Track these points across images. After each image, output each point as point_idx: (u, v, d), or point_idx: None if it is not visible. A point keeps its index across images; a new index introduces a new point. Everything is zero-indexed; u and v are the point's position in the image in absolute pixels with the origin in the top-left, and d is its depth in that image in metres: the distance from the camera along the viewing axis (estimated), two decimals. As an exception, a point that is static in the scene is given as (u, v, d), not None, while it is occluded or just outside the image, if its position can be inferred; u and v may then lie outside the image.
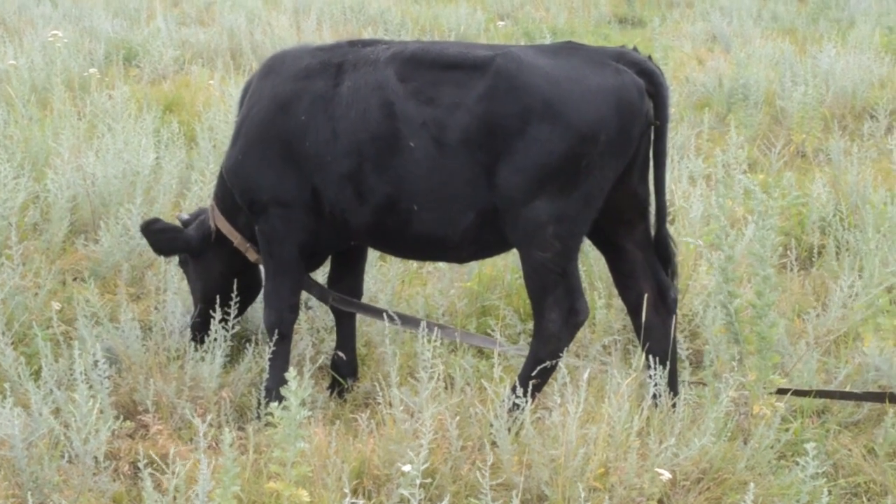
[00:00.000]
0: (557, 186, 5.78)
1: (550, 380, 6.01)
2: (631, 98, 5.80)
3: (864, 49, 14.36)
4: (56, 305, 7.14)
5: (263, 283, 6.62)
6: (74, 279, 8.10)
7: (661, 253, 6.18)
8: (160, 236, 6.82)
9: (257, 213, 6.41)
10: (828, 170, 10.41)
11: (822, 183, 9.23)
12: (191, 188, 8.92)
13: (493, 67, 5.86)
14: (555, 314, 5.94)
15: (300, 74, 6.29)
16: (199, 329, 6.89)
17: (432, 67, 6.03)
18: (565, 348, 5.99)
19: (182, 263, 7.10)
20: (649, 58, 6.01)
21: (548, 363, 5.93)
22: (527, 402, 5.49)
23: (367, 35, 15.92)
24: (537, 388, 5.96)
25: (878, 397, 6.31)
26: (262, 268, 6.69)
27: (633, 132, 5.86)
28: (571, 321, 5.98)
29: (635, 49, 6.03)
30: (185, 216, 7.10)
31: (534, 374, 5.89)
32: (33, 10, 17.55)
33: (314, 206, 6.27)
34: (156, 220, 6.90)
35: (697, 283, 7.48)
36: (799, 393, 6.28)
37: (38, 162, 9.65)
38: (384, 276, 7.70)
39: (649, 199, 6.13)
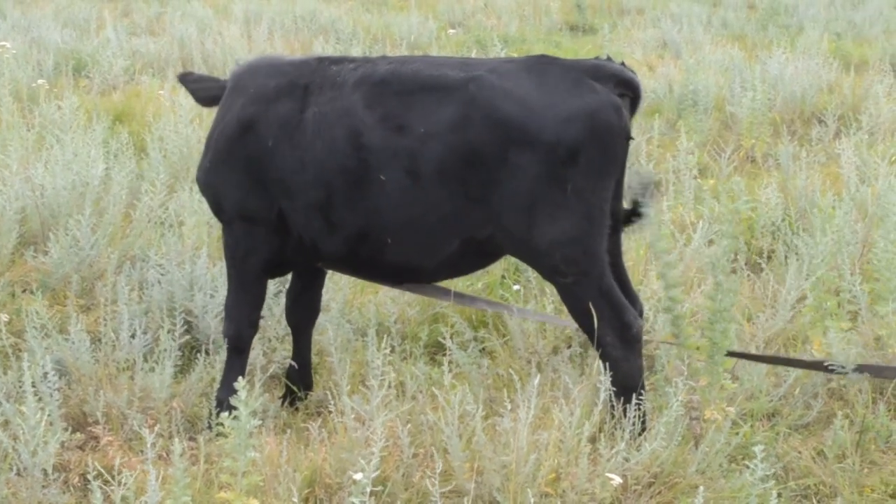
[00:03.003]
0: (549, 213, 5.70)
1: (501, 385, 6.01)
2: (607, 118, 5.68)
3: (813, 55, 14.48)
4: (4, 317, 7.06)
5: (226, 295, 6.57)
6: (23, 291, 8.04)
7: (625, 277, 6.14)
8: (198, 85, 6.74)
9: (224, 223, 6.37)
10: (777, 174, 10.47)
11: (771, 187, 9.29)
12: (141, 198, 8.87)
13: (465, 95, 5.73)
14: (609, 337, 5.82)
15: (269, 95, 6.11)
16: None
17: (401, 93, 5.85)
18: (638, 366, 5.90)
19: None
20: (623, 64, 5.90)
21: (632, 384, 5.85)
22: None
23: (318, 45, 15.91)
24: (636, 402, 5.81)
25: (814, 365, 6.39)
26: None
27: (616, 150, 5.77)
28: (626, 337, 5.83)
29: (609, 59, 5.94)
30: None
31: (628, 402, 5.77)
32: (-19, 21, 17.47)
33: (280, 225, 6.17)
34: (190, 73, 6.87)
35: (648, 288, 7.51)
36: (741, 356, 6.43)
37: (-14, 174, 9.59)
38: (336, 284, 7.69)
39: (621, 214, 6.06)
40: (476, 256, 6.08)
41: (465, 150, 5.72)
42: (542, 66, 5.87)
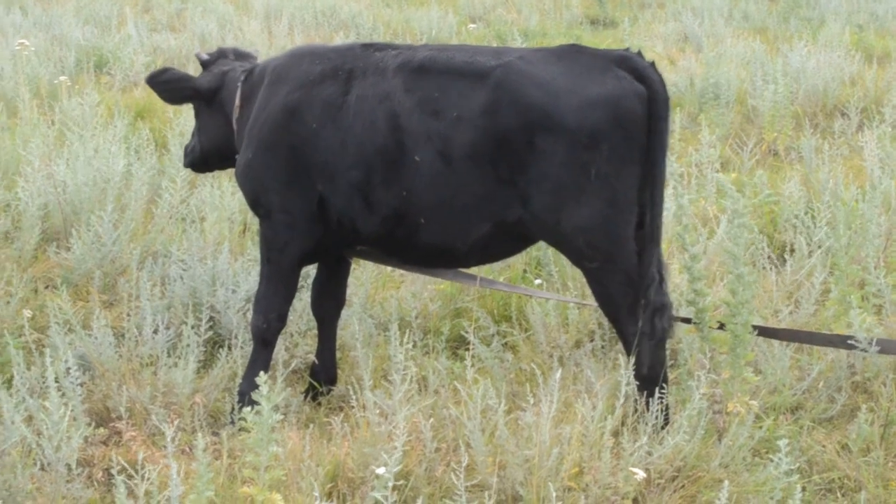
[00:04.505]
0: (573, 197, 5.75)
1: (524, 380, 5.99)
2: (630, 106, 5.75)
3: (835, 47, 14.40)
4: (28, 313, 7.10)
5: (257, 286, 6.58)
6: (46, 287, 8.07)
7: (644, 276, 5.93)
8: (166, 86, 6.83)
9: (262, 217, 6.44)
10: (799, 168, 10.44)
11: (794, 181, 9.26)
12: (162, 194, 8.89)
13: (494, 80, 5.83)
14: (633, 327, 5.85)
15: (314, 80, 6.26)
16: (192, 161, 7.17)
17: (438, 77, 5.98)
18: (661, 357, 5.90)
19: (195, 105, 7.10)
20: (652, 64, 5.91)
21: (654, 376, 5.85)
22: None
23: (339, 40, 15.90)
24: (659, 395, 5.77)
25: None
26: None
27: (640, 138, 5.79)
28: (649, 327, 5.84)
29: (639, 53, 5.97)
30: (205, 56, 7.07)
31: (650, 395, 5.75)
32: (3, 18, 17.46)
33: (319, 215, 6.26)
34: (163, 71, 6.90)
35: (670, 281, 7.47)
36: (763, 332, 6.34)
37: (9, 170, 9.62)
38: (357, 279, 7.69)
39: (649, 206, 5.95)
40: (507, 240, 6.12)
41: (494, 134, 5.81)
42: (571, 53, 5.97)
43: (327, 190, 6.19)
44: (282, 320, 6.50)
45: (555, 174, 5.74)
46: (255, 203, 6.45)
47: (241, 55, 7.10)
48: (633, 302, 5.84)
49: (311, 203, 6.23)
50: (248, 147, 6.41)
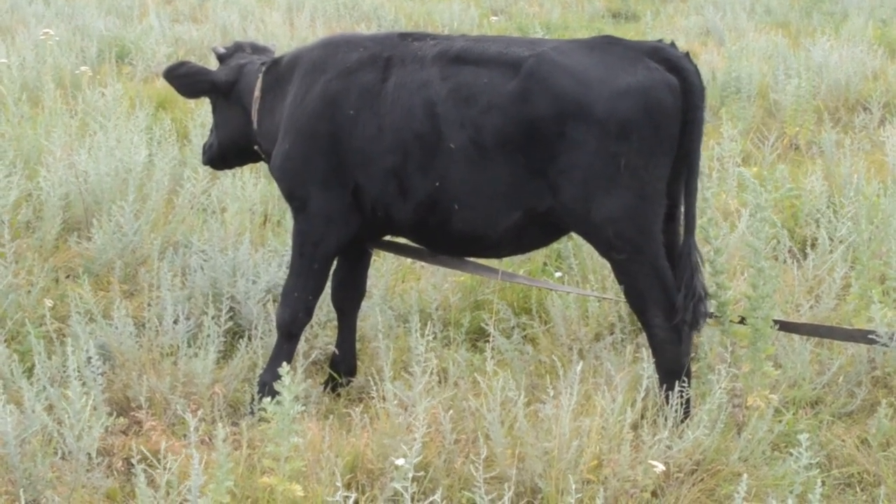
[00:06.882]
0: (603, 188, 5.75)
1: (544, 372, 5.99)
2: (661, 97, 5.74)
3: (858, 42, 14.36)
4: (49, 303, 7.13)
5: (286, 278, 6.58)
6: (67, 276, 8.08)
7: (680, 264, 5.93)
8: (184, 80, 6.91)
9: (297, 210, 6.44)
10: (821, 162, 10.41)
11: (815, 175, 9.24)
12: (184, 185, 8.91)
13: (526, 69, 5.84)
14: (658, 319, 5.85)
15: (353, 67, 6.28)
16: (210, 158, 7.22)
17: (472, 66, 6.00)
18: (685, 350, 5.90)
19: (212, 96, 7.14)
20: (687, 54, 5.93)
21: (676, 368, 5.87)
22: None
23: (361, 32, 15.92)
24: (680, 388, 5.78)
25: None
26: None
27: (671, 130, 5.79)
28: (674, 319, 5.84)
29: (672, 44, 5.97)
30: (222, 50, 7.11)
31: (671, 388, 5.76)
32: (26, 8, 17.53)
33: (356, 204, 6.28)
34: (181, 65, 6.98)
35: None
36: (784, 326, 6.32)
37: (31, 160, 9.63)
38: (377, 271, 7.69)
39: (679, 201, 5.99)
40: (538, 230, 6.13)
41: (524, 123, 5.82)
42: (604, 45, 5.97)
43: (362, 177, 6.20)
44: (309, 314, 6.51)
45: (585, 164, 5.74)
46: (291, 195, 6.45)
47: (257, 49, 7.12)
48: (659, 294, 5.84)
49: (347, 192, 6.24)
50: (284, 138, 6.40)
